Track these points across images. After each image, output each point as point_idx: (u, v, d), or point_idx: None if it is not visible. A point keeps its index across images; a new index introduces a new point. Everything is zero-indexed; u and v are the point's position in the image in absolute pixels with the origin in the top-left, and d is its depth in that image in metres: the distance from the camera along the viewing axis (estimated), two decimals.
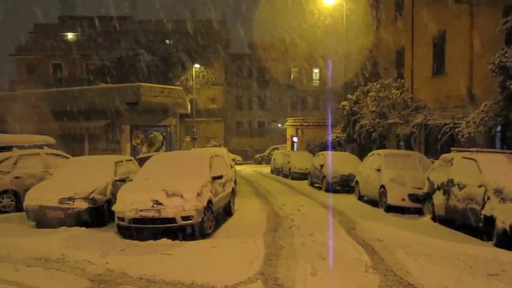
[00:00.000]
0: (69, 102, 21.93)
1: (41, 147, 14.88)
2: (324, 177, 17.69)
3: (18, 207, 12.51)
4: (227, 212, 11.51)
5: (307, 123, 35.21)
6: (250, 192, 17.68)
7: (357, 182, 15.18)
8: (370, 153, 15.44)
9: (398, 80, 19.88)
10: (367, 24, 24.64)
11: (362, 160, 16.30)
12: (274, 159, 29.36)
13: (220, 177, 10.24)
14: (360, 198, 14.73)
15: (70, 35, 48.83)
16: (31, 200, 10.52)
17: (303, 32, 44.23)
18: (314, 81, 54.62)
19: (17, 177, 13.22)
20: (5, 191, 12.97)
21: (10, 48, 48.41)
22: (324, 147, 24.90)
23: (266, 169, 32.55)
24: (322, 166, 18.08)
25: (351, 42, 26.03)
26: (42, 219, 10.45)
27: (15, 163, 13.43)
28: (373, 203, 13.39)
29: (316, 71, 54.07)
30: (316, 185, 19.17)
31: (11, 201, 13.03)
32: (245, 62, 52.31)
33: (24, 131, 17.39)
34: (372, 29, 24.27)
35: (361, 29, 25.35)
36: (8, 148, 14.01)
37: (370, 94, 20.11)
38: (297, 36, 47.10)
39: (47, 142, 15.46)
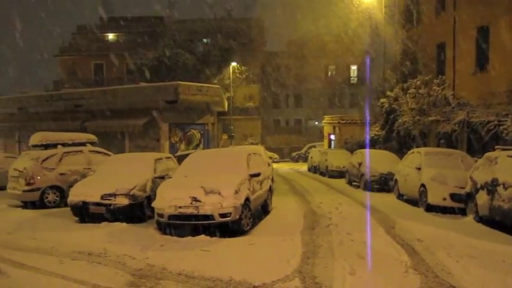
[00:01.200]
0: (110, 100, 22.49)
1: (84, 144, 15.34)
2: (362, 175, 17.46)
3: (63, 203, 12.98)
4: (264, 209, 11.54)
5: (344, 121, 34.84)
6: (287, 190, 17.66)
7: (396, 181, 14.90)
8: (409, 152, 15.13)
9: (439, 76, 19.36)
10: (406, 20, 24.12)
11: (401, 158, 16.00)
12: (311, 157, 29.20)
13: (257, 174, 10.27)
14: (399, 197, 14.46)
15: (111, 36, 50.06)
16: (75, 195, 10.89)
17: (341, 29, 43.69)
18: (352, 79, 53.96)
19: (61, 174, 13.70)
20: (51, 187, 13.47)
21: (55, 49, 49.87)
22: (361, 145, 24.57)
23: (303, 167, 32.40)
24: (360, 164, 17.85)
25: (390, 38, 25.53)
26: (85, 215, 10.79)
27: (60, 160, 13.91)
28: (413, 202, 13.12)
29: (353, 67, 53.40)
30: (354, 183, 18.95)
31: (56, 196, 13.52)
32: (282, 59, 52.20)
33: (68, 129, 17.98)
34: (411, 24, 23.73)
35: (400, 25, 24.83)
36: (53, 145, 14.54)
37: (409, 91, 19.67)
38: (334, 33, 46.61)
39: (90, 140, 15.92)
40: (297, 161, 42.48)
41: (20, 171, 13.53)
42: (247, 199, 9.32)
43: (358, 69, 52.64)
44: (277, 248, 7.87)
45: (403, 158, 15.30)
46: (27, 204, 13.51)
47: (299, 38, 50.70)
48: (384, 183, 16.49)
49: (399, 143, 21.02)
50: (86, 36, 48.97)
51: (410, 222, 10.33)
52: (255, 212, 10.28)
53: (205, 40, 46.52)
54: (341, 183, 20.14)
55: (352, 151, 23.35)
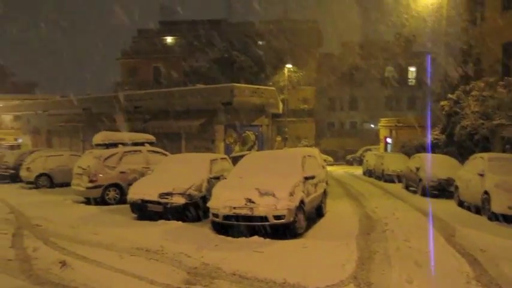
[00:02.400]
0: (168, 102, 23.09)
1: (142, 144, 15.85)
2: (420, 180, 16.91)
3: (122, 200, 13.48)
4: (318, 213, 11.42)
5: (401, 124, 33.92)
6: (342, 194, 17.40)
7: (456, 187, 14.30)
8: (472, 157, 14.47)
9: (505, 78, 18.39)
10: (468, 19, 23.11)
11: (462, 164, 15.35)
12: (367, 161, 28.63)
13: (312, 177, 10.19)
14: (460, 204, 13.86)
15: (169, 39, 51.46)
16: (134, 193, 11.27)
17: (398, 29, 42.58)
18: (410, 80, 52.42)
19: (121, 172, 14.22)
20: (112, 185, 14.01)
21: (117, 53, 51.89)
22: (420, 149, 23.80)
23: (358, 170, 31.84)
24: (418, 169, 17.29)
25: (451, 39, 24.58)
26: (143, 212, 11.14)
27: (120, 159, 14.44)
28: (475, 209, 12.53)
29: (412, 69, 51.86)
30: (411, 188, 18.38)
31: (116, 194, 14.05)
32: (338, 61, 51.54)
33: (128, 130, 18.67)
34: (474, 24, 22.72)
35: (462, 24, 23.82)
36: (114, 145, 15.12)
37: (472, 93, 18.84)
38: (391, 33, 45.55)
39: (148, 140, 16.43)
40: (351, 164, 41.80)
41: (83, 168, 14.18)
42: (301, 202, 9.26)
43: (417, 71, 51.05)
44: (331, 252, 7.77)
45: (465, 163, 14.67)
46: (89, 201, 14.14)
47: (355, 39, 49.92)
48: (443, 189, 15.88)
49: (460, 147, 20.18)
50: (146, 40, 50.64)
51: (472, 231, 9.87)
52: (309, 215, 10.19)
53: (260, 42, 46.81)
54: (397, 188, 19.60)
55: (409, 155, 22.67)
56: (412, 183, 18.10)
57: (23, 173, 19.67)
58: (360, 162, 36.72)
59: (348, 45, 50.79)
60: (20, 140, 40.76)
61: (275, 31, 45.09)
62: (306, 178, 9.92)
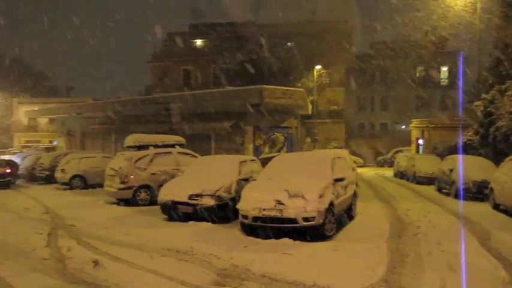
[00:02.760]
0: (197, 104, 23.32)
1: (173, 146, 16.04)
2: (453, 182, 16.51)
3: (153, 201, 13.67)
4: (348, 215, 11.29)
5: (433, 125, 33.20)
6: (372, 196, 17.17)
7: (491, 189, 13.89)
8: (507, 158, 14.04)
9: None
10: (504, 16, 22.44)
11: (497, 165, 14.90)
12: (398, 162, 28.15)
13: (342, 179, 10.09)
14: (495, 207, 13.45)
15: (199, 42, 51.94)
16: (164, 195, 11.42)
17: (430, 28, 41.74)
18: (442, 80, 51.28)
19: (152, 174, 14.43)
20: (142, 186, 14.24)
21: (147, 56, 52.81)
22: (453, 151, 23.22)
23: (388, 172, 31.34)
24: (451, 171, 16.89)
25: (485, 37, 23.94)
26: (173, 213, 11.26)
27: (151, 161, 14.66)
28: None
29: (444, 69, 50.72)
30: (443, 190, 17.97)
31: (147, 195, 14.26)
32: (368, 61, 50.89)
33: (158, 132, 18.91)
34: (509, 21, 22.04)
35: (497, 22, 23.15)
36: (145, 147, 15.36)
37: (508, 93, 18.28)
38: (423, 32, 44.61)
39: (178, 142, 16.60)
40: (382, 165, 41.17)
41: (115, 170, 14.45)
42: (331, 204, 9.19)
43: (449, 71, 49.91)
44: (361, 255, 7.67)
45: (500, 165, 14.25)
46: (121, 202, 14.40)
47: (386, 39, 49.19)
48: (477, 192, 15.44)
49: (495, 148, 19.61)
50: (176, 43, 51.25)
51: (508, 235, 9.57)
52: (339, 217, 10.11)
53: (289, 44, 46.71)
54: (429, 190, 19.20)
55: (441, 156, 22.16)
56: (445, 185, 17.70)
57: (57, 175, 20.22)
58: (390, 164, 36.12)
59: (378, 45, 50.12)
60: (55, 142, 41.90)
61: (304, 32, 44.92)
62: (336, 180, 9.83)
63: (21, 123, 51.09)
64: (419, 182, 22.06)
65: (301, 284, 6.21)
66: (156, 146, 15.56)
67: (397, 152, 37.84)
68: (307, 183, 9.19)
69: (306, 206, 8.67)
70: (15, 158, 27.45)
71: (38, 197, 16.68)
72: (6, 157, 26.63)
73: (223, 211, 10.92)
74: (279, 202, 8.77)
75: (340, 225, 10.19)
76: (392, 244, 8.51)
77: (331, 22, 48.35)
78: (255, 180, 10.84)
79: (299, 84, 39.66)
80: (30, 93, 58.26)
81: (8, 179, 21.08)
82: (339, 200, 9.92)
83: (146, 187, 14.26)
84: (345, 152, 16.89)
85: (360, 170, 25.46)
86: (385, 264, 7.06)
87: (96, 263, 7.18)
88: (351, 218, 11.38)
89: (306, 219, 8.66)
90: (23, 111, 47.80)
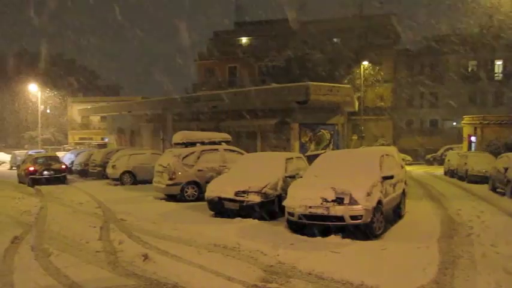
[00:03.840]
0: (243, 101, 23.42)
1: (219, 143, 16.20)
2: (508, 181, 15.77)
3: (200, 197, 13.87)
4: (397, 214, 11.02)
5: (487, 122, 31.85)
6: (422, 195, 16.67)
7: None
8: None
9: None
10: None
11: None
12: (449, 160, 27.21)
13: (390, 177, 9.85)
14: None
15: (244, 40, 52.23)
16: (211, 191, 11.56)
17: (483, 21, 40.03)
18: (496, 75, 49.08)
19: (199, 170, 14.64)
20: (190, 182, 14.47)
21: (194, 55, 53.63)
22: (508, 148, 22.23)
23: (438, 170, 30.38)
24: (506, 169, 16.13)
25: None
26: (220, 210, 11.38)
27: (198, 157, 14.88)
28: None
29: (498, 63, 48.54)
30: (498, 190, 17.20)
31: (194, 191, 14.50)
32: (417, 57, 49.44)
33: (205, 129, 19.17)
34: None
35: None
36: (192, 144, 15.61)
37: None
38: (475, 25, 42.86)
39: (225, 139, 16.76)
40: (431, 163, 39.95)
41: (164, 167, 14.77)
42: (379, 202, 8.99)
43: (504, 64, 47.71)
44: (411, 255, 7.47)
45: None
46: (169, 197, 14.70)
47: (436, 33, 47.58)
48: None
49: None
50: (221, 41, 51.78)
51: None
52: (387, 216, 9.87)
53: (335, 39, 46.10)
54: (483, 189, 18.42)
55: (496, 154, 21.23)
56: (500, 184, 16.93)
57: (109, 170, 20.90)
58: (440, 161, 34.98)
59: (427, 39, 48.55)
60: (106, 139, 43.33)
61: (351, 28, 44.18)
62: (384, 178, 9.60)
63: (75, 121, 53.21)
64: (471, 181, 21.24)
65: (348, 283, 6.12)
66: (203, 143, 15.77)
67: (447, 149, 36.61)
68: (354, 181, 9.03)
69: (353, 204, 8.52)
70: (70, 155, 28.68)
71: (91, 192, 17.32)
72: (60, 154, 27.88)
73: (269, 208, 10.93)
74: (326, 200, 8.66)
75: (388, 224, 9.95)
76: (444, 244, 8.21)
77: (378, 17, 47.26)
78: (301, 177, 10.76)
79: (346, 81, 39.09)
80: (83, 92, 60.64)
81: (63, 174, 22.06)
82: (388, 198, 9.69)
83: (193, 183, 14.49)
84: (393, 149, 16.48)
85: (408, 168, 24.82)
86: (436, 265, 6.83)
87: (145, 256, 7.37)
88: (399, 216, 11.09)
89: (353, 217, 8.52)
90: (76, 110, 49.73)
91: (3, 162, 41.60)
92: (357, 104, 31.44)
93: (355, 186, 8.81)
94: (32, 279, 6.53)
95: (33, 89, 46.03)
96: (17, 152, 38.78)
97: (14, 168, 34.06)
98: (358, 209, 8.50)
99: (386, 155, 11.25)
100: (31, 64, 56.83)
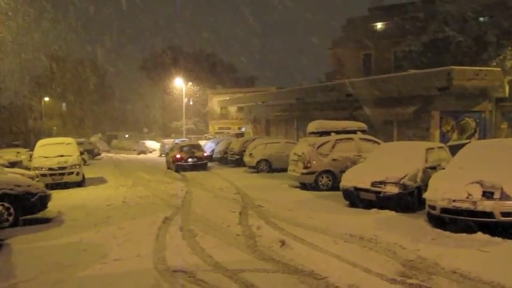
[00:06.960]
0: (378, 89, 22.63)
1: (354, 132, 15.94)
2: None
3: (334, 187, 13.83)
4: None
5: None
6: None
7: None
8: None
9: None
10: None
11: None
12: None
13: None
14: None
15: (379, 25, 50.27)
16: (347, 181, 11.45)
17: None
18: None
19: (334, 160, 14.60)
20: (324, 171, 14.51)
21: (328, 43, 53.31)
22: None
23: None
24: None
25: None
26: (355, 200, 11.22)
27: (333, 147, 14.83)
28: None
29: None
30: None
31: (329, 180, 14.51)
32: None
33: (338, 118, 18.94)
34: None
35: None
36: (327, 133, 15.59)
37: None
38: None
39: (360, 128, 16.41)
40: None
41: (299, 155, 15.00)
42: None
43: None
44: None
45: None
46: (303, 186, 14.90)
47: None
48: None
49: None
50: (355, 28, 50.51)
51: None
52: None
53: (481, 19, 42.01)
54: None
55: None
56: None
57: (246, 159, 21.89)
58: None
59: None
60: (243, 129, 45.32)
61: (499, 5, 39.87)
62: None
63: (215, 111, 56.55)
64: None
65: (499, 285, 5.62)
66: (338, 132, 15.65)
67: None
68: (505, 174, 8.20)
69: (505, 200, 7.76)
70: (210, 143, 30.65)
71: (230, 179, 18.35)
72: (202, 142, 29.96)
73: (408, 200, 10.47)
74: (472, 194, 8.01)
75: None
76: None
77: None
78: (443, 169, 10.11)
79: (494, 64, 35.46)
80: (222, 84, 64.19)
81: (205, 161, 23.73)
82: None
83: (328, 172, 14.50)
84: None
85: None
86: None
87: (283, 242, 7.59)
88: None
89: (505, 214, 7.75)
90: (216, 101, 52.87)
91: (154, 150, 46.20)
92: (507, 88, 28.34)
93: (507, 180, 7.99)
94: (181, 257, 7.14)
95: (178, 83, 50.22)
96: (165, 140, 42.80)
97: (162, 155, 37.57)
98: (511, 205, 7.72)
99: None
100: (175, 60, 61.89)
